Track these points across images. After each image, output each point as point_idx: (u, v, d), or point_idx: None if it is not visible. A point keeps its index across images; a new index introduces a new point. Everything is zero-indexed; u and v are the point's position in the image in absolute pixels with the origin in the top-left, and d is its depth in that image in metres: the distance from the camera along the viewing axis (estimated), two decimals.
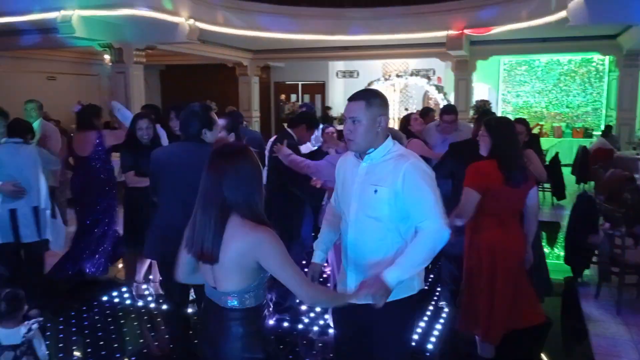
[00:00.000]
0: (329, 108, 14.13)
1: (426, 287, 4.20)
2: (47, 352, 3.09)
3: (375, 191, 2.18)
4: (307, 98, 14.82)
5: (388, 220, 2.18)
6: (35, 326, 2.94)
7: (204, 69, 13.96)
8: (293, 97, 15.31)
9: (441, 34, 9.91)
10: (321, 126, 5.34)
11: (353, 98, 2.25)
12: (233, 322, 1.91)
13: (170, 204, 3.07)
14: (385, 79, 12.45)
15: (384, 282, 2.05)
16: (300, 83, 15.31)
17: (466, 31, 9.81)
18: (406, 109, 12.64)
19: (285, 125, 5.37)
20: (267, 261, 1.87)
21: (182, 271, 2.09)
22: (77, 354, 3.80)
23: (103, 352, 3.76)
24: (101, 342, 3.91)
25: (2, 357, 2.80)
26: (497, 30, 9.54)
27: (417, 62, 13.72)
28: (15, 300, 2.94)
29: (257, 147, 5.13)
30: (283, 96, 15.43)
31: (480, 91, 13.00)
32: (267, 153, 4.77)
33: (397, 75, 12.35)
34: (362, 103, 2.20)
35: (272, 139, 4.90)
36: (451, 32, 9.85)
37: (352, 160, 2.33)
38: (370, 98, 2.22)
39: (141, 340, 4.01)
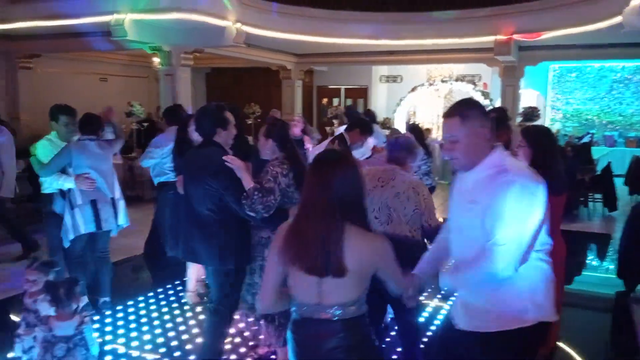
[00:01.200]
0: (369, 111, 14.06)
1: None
2: (99, 345, 3.18)
3: (470, 209, 2.00)
4: (349, 102, 14.82)
5: (484, 240, 1.92)
6: (88, 319, 3.03)
7: (248, 72, 14.15)
8: (335, 101, 15.33)
9: (489, 38, 9.72)
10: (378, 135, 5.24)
11: (447, 115, 2.08)
12: (345, 334, 1.86)
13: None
14: (430, 85, 12.31)
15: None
16: (342, 87, 15.32)
17: (515, 36, 9.59)
18: None
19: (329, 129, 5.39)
20: (388, 268, 1.92)
21: (268, 299, 1.99)
22: (125, 346, 3.90)
23: (151, 345, 3.85)
24: (154, 335, 4.01)
25: (56, 348, 2.90)
26: (547, 35, 9.28)
27: (462, 67, 13.51)
28: (73, 287, 3.02)
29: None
30: (325, 100, 15.48)
31: (528, 98, 12.68)
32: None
33: (442, 81, 12.19)
34: (456, 119, 2.02)
35: (326, 141, 4.94)
36: (499, 37, 9.65)
37: (460, 174, 2.17)
38: (465, 111, 2.03)
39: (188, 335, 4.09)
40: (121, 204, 4.45)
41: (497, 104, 11.50)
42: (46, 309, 3.02)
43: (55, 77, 11.44)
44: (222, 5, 8.61)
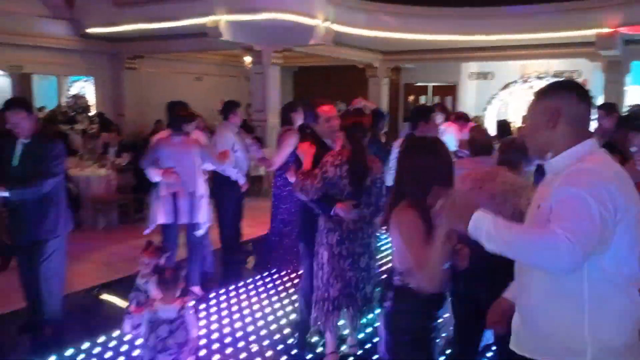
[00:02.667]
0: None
1: None
2: (199, 329, 3.36)
3: (538, 206, 1.77)
4: (436, 100, 14.50)
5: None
6: (189, 303, 3.22)
7: (334, 70, 14.27)
8: (422, 98, 15.08)
9: (591, 32, 9.13)
10: None
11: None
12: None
13: None
14: (524, 81, 11.77)
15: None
16: (430, 84, 15.03)
17: (621, 29, 8.93)
18: None
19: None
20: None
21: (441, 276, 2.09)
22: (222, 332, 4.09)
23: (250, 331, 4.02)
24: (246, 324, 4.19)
25: (160, 329, 3.10)
26: None
27: (560, 62, 12.76)
28: (178, 272, 3.23)
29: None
30: (411, 97, 15.27)
31: (634, 95, 11.75)
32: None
33: (538, 77, 11.62)
34: (534, 98, 1.84)
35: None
36: (603, 30, 9.03)
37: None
38: (546, 89, 1.83)
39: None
40: (203, 202, 4.54)
41: (600, 102, 10.78)
42: (154, 291, 3.25)
43: (156, 77, 12.17)
44: (312, 4, 8.76)
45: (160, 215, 4.44)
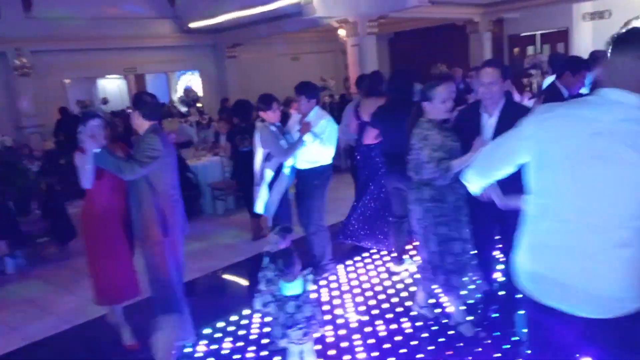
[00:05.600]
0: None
1: None
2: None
3: None
4: (546, 49, 13.42)
5: None
6: (310, 277, 3.29)
7: (432, 31, 13.72)
8: (530, 49, 14.03)
9: None
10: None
11: None
12: None
13: None
14: None
15: None
16: (538, 33, 13.91)
17: None
18: None
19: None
20: None
21: None
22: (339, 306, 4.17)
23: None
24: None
25: (287, 306, 3.21)
26: None
27: None
28: (289, 257, 3.32)
29: None
30: (516, 50, 14.27)
31: None
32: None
33: None
34: None
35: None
36: None
37: None
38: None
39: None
40: (256, 190, 4.52)
41: None
42: (271, 275, 3.38)
43: (256, 62, 12.53)
44: None
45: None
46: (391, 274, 4.71)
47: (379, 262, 5.02)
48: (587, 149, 1.66)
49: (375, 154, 4.95)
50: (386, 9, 9.47)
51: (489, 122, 3.36)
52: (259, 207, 4.54)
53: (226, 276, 5.24)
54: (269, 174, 4.46)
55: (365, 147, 5.03)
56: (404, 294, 4.28)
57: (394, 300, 4.19)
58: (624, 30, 1.77)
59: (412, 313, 3.90)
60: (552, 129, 1.75)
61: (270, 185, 4.46)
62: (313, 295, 3.57)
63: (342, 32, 10.80)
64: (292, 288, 3.24)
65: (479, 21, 12.31)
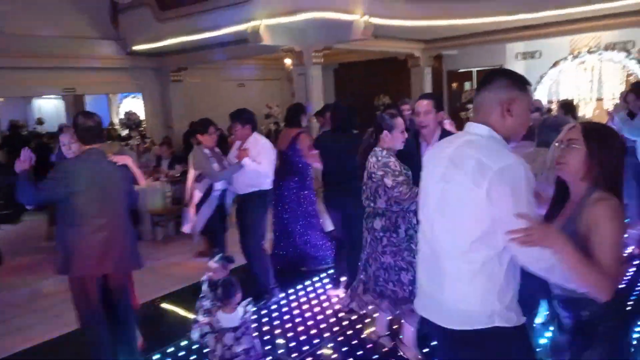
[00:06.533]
0: None
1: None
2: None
3: None
4: None
5: None
6: (249, 307, 3.25)
7: (375, 64, 14.12)
8: (467, 84, 14.70)
9: None
10: None
11: None
12: None
13: None
14: (574, 57, 11.27)
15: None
16: (474, 69, 14.62)
17: None
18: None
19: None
20: None
21: None
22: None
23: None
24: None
25: (225, 337, 3.15)
26: None
27: (611, 34, 12.13)
28: (230, 287, 3.27)
29: None
30: (455, 85, 14.92)
31: None
32: None
33: (589, 52, 11.09)
34: None
35: None
36: None
37: None
38: None
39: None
40: (184, 210, 5.02)
41: None
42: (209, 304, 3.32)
43: (200, 87, 12.44)
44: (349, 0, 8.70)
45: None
46: (331, 298, 4.75)
47: (319, 286, 5.04)
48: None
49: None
50: (331, 40, 9.69)
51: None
52: (186, 228, 4.68)
53: (165, 305, 5.07)
54: (197, 195, 4.61)
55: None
56: (346, 322, 4.29)
57: (336, 329, 4.19)
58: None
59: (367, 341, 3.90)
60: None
61: (199, 207, 4.63)
62: (253, 325, 3.51)
63: (288, 61, 10.94)
64: (230, 319, 3.18)
65: (420, 56, 12.80)
